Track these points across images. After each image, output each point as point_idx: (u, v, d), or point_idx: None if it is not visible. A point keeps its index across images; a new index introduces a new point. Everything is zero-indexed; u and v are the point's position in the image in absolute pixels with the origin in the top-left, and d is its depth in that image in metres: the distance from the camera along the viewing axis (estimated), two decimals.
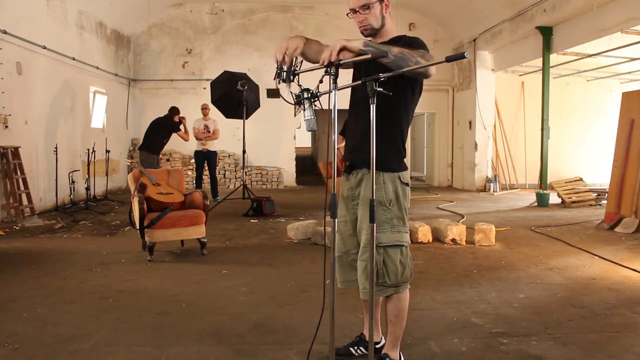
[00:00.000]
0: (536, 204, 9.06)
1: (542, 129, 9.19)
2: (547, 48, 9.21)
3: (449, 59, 1.90)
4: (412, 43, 2.26)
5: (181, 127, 8.91)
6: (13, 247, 5.38)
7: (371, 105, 2.06)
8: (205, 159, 9.47)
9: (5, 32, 6.97)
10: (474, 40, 11.61)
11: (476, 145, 11.63)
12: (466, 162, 12.16)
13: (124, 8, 11.06)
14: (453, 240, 5.60)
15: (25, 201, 7.24)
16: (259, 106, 9.25)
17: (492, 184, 11.45)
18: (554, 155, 10.66)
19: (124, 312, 3.38)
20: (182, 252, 5.21)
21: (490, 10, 10.26)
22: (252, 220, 7.21)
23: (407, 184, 2.46)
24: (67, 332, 3.01)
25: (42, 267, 4.56)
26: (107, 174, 10.26)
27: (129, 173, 5.79)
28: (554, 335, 2.97)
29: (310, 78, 2.46)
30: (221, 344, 2.84)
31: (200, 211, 5.07)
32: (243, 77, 8.79)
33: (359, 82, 2.17)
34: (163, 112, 12.31)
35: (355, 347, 2.70)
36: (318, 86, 2.45)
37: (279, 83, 2.36)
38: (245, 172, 11.22)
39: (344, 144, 2.71)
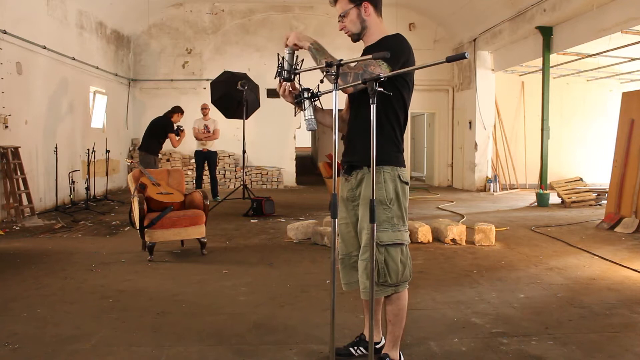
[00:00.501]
0: (536, 204, 9.06)
1: (542, 129, 9.19)
2: (547, 48, 9.21)
3: (449, 60, 1.90)
4: (387, 47, 2.26)
5: (176, 130, 8.57)
6: (13, 247, 5.38)
7: (371, 105, 2.07)
8: (205, 159, 9.47)
9: (5, 32, 6.97)
10: (474, 40, 11.61)
11: (476, 145, 11.63)
12: (466, 162, 12.16)
13: (124, 8, 11.06)
14: (453, 240, 5.60)
15: (25, 201, 7.24)
16: (259, 106, 9.25)
17: (492, 184, 11.46)
18: (554, 155, 10.66)
19: (124, 312, 3.38)
20: (182, 252, 5.21)
21: (490, 10, 10.26)
22: (252, 220, 7.21)
23: (406, 183, 2.47)
24: (67, 332, 3.01)
25: (42, 267, 4.56)
26: (107, 174, 10.26)
27: (129, 173, 5.80)
28: (554, 335, 2.97)
29: (311, 78, 2.46)
30: (221, 344, 2.84)
31: (200, 211, 5.07)
32: (243, 77, 8.77)
33: (359, 82, 2.17)
34: (163, 112, 12.38)
35: (355, 347, 2.70)
36: (318, 86, 2.45)
37: (280, 82, 2.36)
38: (245, 172, 11.23)
39: None
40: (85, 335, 2.96)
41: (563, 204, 8.98)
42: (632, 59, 9.81)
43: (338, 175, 2.38)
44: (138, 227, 4.89)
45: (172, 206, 5.00)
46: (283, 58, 2.34)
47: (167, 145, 12.22)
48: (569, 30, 8.77)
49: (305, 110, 2.36)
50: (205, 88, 12.10)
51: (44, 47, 8.01)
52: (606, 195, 7.63)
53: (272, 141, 12.37)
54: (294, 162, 12.82)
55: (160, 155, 12.18)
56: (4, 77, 7.05)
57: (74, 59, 9.07)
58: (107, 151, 9.92)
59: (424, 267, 4.57)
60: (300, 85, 2.39)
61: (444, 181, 13.24)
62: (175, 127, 8.46)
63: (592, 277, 4.25)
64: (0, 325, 3.11)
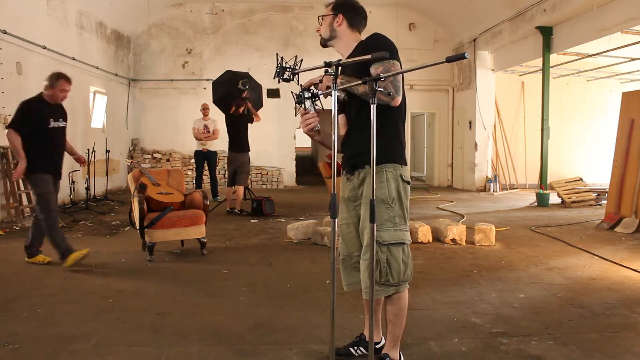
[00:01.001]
0: (536, 204, 9.05)
1: (542, 129, 9.19)
2: (547, 48, 9.21)
3: (449, 60, 1.90)
4: (378, 48, 2.24)
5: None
6: (13, 247, 5.38)
7: (371, 105, 2.07)
8: (205, 159, 9.47)
9: (5, 32, 6.97)
10: (474, 40, 11.61)
11: (476, 145, 11.63)
12: (466, 162, 12.16)
13: (124, 8, 11.05)
14: (453, 240, 5.59)
15: (25, 201, 7.24)
16: (261, 106, 9.14)
17: (492, 184, 11.45)
18: (554, 155, 10.66)
19: (124, 312, 3.38)
20: (182, 252, 5.21)
21: (490, 10, 10.26)
22: (252, 220, 7.21)
23: (408, 182, 2.49)
24: (67, 332, 3.01)
25: (42, 267, 4.56)
26: (107, 174, 10.26)
27: (129, 173, 5.79)
28: (554, 335, 2.97)
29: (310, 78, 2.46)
30: (221, 344, 2.84)
31: (200, 211, 5.07)
32: (245, 76, 8.66)
33: (359, 82, 2.17)
34: (163, 112, 12.41)
35: (355, 347, 2.70)
36: (318, 85, 2.45)
37: (280, 82, 2.36)
38: None
39: None
40: (85, 335, 2.96)
41: (563, 204, 8.98)
42: (632, 59, 9.81)
43: (338, 175, 2.38)
44: (138, 227, 4.89)
45: (172, 206, 5.00)
46: (282, 58, 2.34)
47: (167, 146, 12.30)
48: (569, 30, 8.77)
49: (305, 108, 2.36)
50: (205, 88, 12.10)
51: (44, 47, 8.01)
52: (606, 195, 7.63)
53: (272, 141, 12.37)
54: (294, 162, 12.82)
55: (160, 155, 12.22)
56: (4, 77, 7.05)
57: (74, 59, 9.07)
58: (107, 151, 9.92)
59: (424, 267, 4.57)
60: (300, 85, 2.39)
61: (444, 181, 13.24)
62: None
63: (592, 277, 4.25)
64: (0, 325, 3.11)
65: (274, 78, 2.36)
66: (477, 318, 3.25)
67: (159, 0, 11.71)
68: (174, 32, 12.43)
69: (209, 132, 9.43)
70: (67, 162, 8.79)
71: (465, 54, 1.89)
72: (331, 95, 2.17)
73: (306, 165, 18.48)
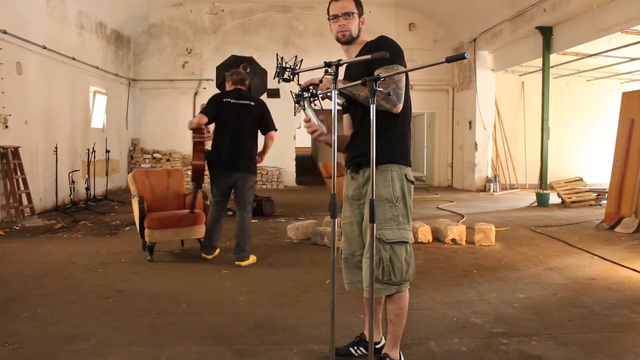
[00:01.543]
0: (536, 204, 9.06)
1: (542, 129, 9.19)
2: (547, 48, 9.21)
3: (449, 60, 1.90)
4: (384, 48, 2.26)
5: None
6: (13, 247, 5.38)
7: (371, 105, 2.07)
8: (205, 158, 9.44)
9: (5, 32, 6.97)
10: (474, 40, 11.61)
11: (476, 145, 11.63)
12: (466, 162, 12.16)
13: (124, 8, 11.06)
14: (453, 240, 5.59)
15: (25, 201, 7.24)
16: (265, 90, 8.97)
17: (492, 184, 11.46)
18: (554, 155, 10.66)
19: (124, 312, 3.38)
20: (182, 252, 5.21)
21: (491, 10, 10.26)
22: (252, 220, 7.19)
23: (412, 182, 2.50)
24: (67, 332, 3.01)
25: (42, 267, 4.56)
26: (107, 174, 10.26)
27: (129, 173, 5.79)
28: (554, 335, 2.97)
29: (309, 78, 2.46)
30: (221, 344, 2.84)
31: (200, 211, 5.07)
32: (247, 60, 8.51)
33: (359, 82, 2.17)
34: (163, 112, 12.41)
35: (355, 347, 2.70)
36: (318, 85, 2.45)
37: (280, 82, 2.36)
38: None
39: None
40: (85, 335, 2.96)
41: (563, 204, 8.97)
42: (632, 59, 9.81)
43: (338, 175, 2.38)
44: (138, 228, 4.89)
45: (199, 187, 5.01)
46: (282, 58, 2.34)
47: (167, 146, 12.30)
48: (569, 30, 8.77)
49: (305, 110, 2.36)
50: (205, 88, 12.11)
51: (44, 47, 8.01)
52: (606, 195, 7.63)
53: None
54: (294, 162, 12.82)
55: (160, 155, 12.21)
56: (4, 77, 7.05)
57: (74, 59, 9.07)
58: (107, 151, 9.92)
59: (424, 267, 4.57)
60: (300, 85, 2.39)
61: (444, 181, 13.24)
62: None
63: (592, 277, 4.25)
64: (0, 325, 3.11)
65: (274, 78, 2.36)
66: (477, 318, 3.25)
67: (159, 0, 11.71)
68: (174, 32, 12.43)
69: (208, 132, 9.40)
70: (67, 162, 8.84)
71: (465, 54, 1.89)
72: (330, 98, 2.17)
73: (306, 165, 18.48)
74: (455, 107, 12.94)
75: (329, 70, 2.15)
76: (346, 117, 2.63)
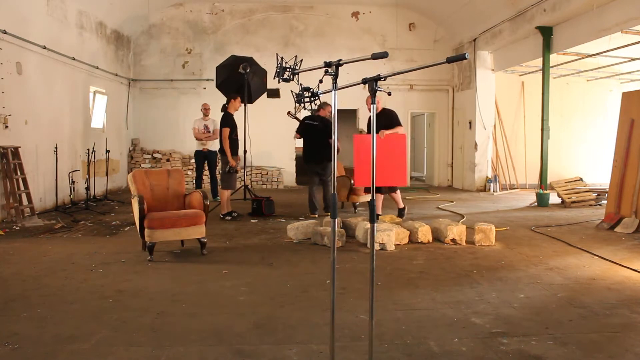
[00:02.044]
0: (536, 204, 9.05)
1: (542, 129, 9.19)
2: (547, 48, 9.21)
3: (449, 60, 1.90)
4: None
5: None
6: (13, 247, 5.38)
7: (371, 105, 2.07)
8: (205, 159, 9.46)
9: (5, 32, 6.97)
10: (474, 40, 11.61)
11: (476, 145, 11.63)
12: (466, 162, 12.16)
13: (124, 8, 11.06)
14: (453, 240, 5.59)
15: (25, 201, 7.24)
16: (264, 91, 8.92)
17: (492, 184, 11.45)
18: (554, 155, 10.66)
19: (124, 312, 3.38)
20: (182, 252, 5.21)
21: (491, 10, 10.26)
22: (252, 220, 7.21)
23: None
24: (67, 332, 3.01)
25: (42, 267, 4.56)
26: (107, 174, 10.26)
27: (129, 173, 5.79)
28: (554, 335, 2.97)
29: (311, 78, 2.46)
30: (221, 344, 2.84)
31: (200, 211, 5.07)
32: (247, 60, 8.36)
33: (359, 82, 2.17)
34: (163, 112, 12.41)
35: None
36: (318, 85, 2.45)
37: (280, 82, 2.37)
38: (245, 172, 11.21)
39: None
40: (85, 335, 2.96)
41: (563, 204, 8.97)
42: (632, 59, 9.80)
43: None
44: (138, 228, 4.89)
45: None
46: (282, 58, 2.34)
47: (167, 146, 12.30)
48: (569, 30, 8.77)
49: (305, 109, 2.36)
50: (205, 88, 12.11)
51: (44, 47, 8.01)
52: (606, 195, 7.63)
53: (272, 141, 12.36)
54: (294, 162, 12.81)
55: (160, 155, 12.20)
56: (4, 77, 7.05)
57: (74, 59, 9.07)
58: (107, 151, 9.92)
59: (424, 267, 4.57)
60: (300, 84, 2.39)
61: (444, 181, 13.24)
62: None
63: (592, 277, 4.25)
64: (0, 325, 3.11)
65: (274, 78, 2.37)
66: (477, 318, 3.25)
67: (159, 0, 11.71)
68: (174, 32, 12.42)
69: (209, 132, 9.42)
70: (67, 162, 8.84)
71: (466, 55, 1.90)
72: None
73: None
74: (455, 107, 12.94)
75: (329, 70, 2.16)
76: None
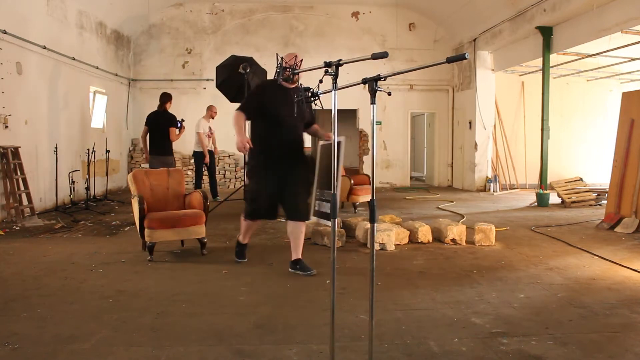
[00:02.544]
0: (536, 204, 9.05)
1: (542, 129, 9.19)
2: (547, 48, 9.21)
3: (449, 60, 1.90)
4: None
5: (179, 123, 8.06)
6: (13, 247, 5.38)
7: (371, 105, 2.07)
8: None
9: (5, 32, 6.97)
10: (474, 40, 11.61)
11: (476, 145, 11.63)
12: (466, 162, 12.16)
13: (124, 8, 11.06)
14: (453, 240, 5.59)
15: (25, 201, 7.24)
16: None
17: (492, 184, 11.46)
18: (554, 155, 10.66)
19: (124, 312, 3.38)
20: (182, 252, 5.21)
21: (491, 10, 10.26)
22: None
23: None
24: (67, 332, 3.01)
25: (42, 267, 4.56)
26: (107, 174, 10.26)
27: (129, 173, 5.79)
28: (554, 335, 2.97)
29: (311, 78, 2.46)
30: (221, 344, 2.84)
31: (200, 211, 5.07)
32: (247, 60, 8.28)
33: (359, 82, 2.17)
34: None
35: None
36: (318, 85, 2.45)
37: (279, 82, 2.37)
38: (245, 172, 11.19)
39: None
40: (85, 335, 2.96)
41: (563, 204, 8.97)
42: (632, 59, 9.81)
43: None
44: (138, 228, 4.89)
45: None
46: (282, 58, 2.34)
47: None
48: (569, 30, 8.77)
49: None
50: (205, 88, 12.11)
51: (44, 47, 8.01)
52: (606, 195, 7.63)
53: None
54: None
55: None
56: (4, 77, 7.05)
57: (74, 59, 9.07)
58: (107, 151, 9.92)
59: (424, 267, 4.57)
60: (300, 84, 2.39)
61: (444, 181, 13.24)
62: (179, 120, 7.95)
63: (592, 277, 4.25)
64: (0, 325, 3.11)
65: (274, 78, 2.36)
66: (477, 318, 3.25)
67: (159, 0, 11.71)
68: (174, 32, 12.42)
69: (212, 133, 9.41)
70: (67, 162, 8.84)
71: (466, 55, 1.90)
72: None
73: None
74: (455, 107, 12.94)
75: (329, 70, 2.16)
76: None
